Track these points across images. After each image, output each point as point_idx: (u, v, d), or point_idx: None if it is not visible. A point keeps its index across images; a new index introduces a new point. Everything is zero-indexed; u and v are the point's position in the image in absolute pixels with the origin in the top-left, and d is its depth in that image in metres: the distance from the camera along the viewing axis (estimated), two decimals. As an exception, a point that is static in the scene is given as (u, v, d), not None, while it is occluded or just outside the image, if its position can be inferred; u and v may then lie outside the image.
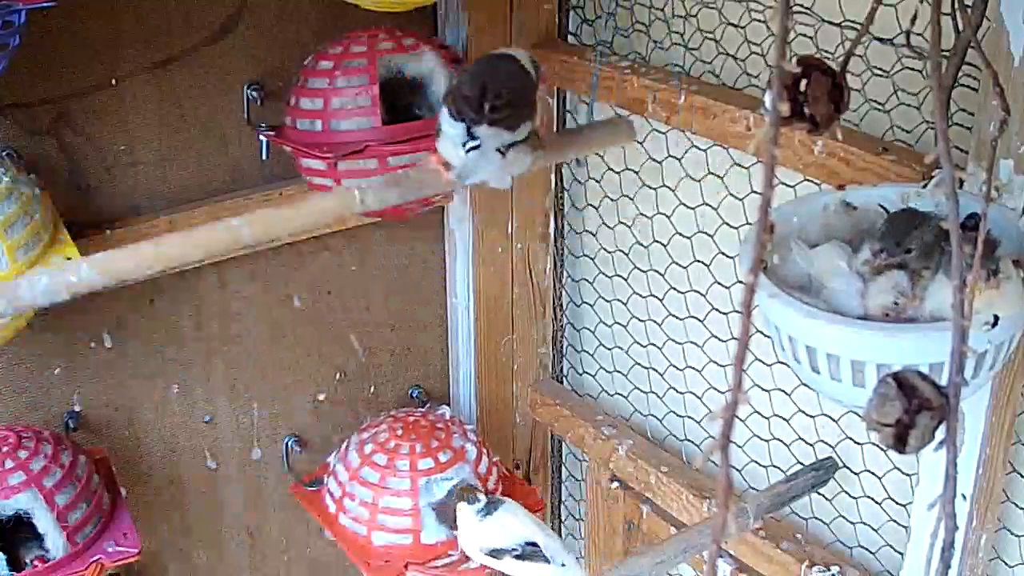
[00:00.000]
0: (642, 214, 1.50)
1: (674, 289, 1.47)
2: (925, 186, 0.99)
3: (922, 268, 0.89)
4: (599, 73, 1.36)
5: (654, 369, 1.56)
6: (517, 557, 1.30)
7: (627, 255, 1.54)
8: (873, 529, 1.29)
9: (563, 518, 1.85)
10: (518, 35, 1.48)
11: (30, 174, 1.21)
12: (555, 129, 1.56)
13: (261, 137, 1.38)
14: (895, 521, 1.26)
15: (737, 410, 0.51)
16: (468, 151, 0.93)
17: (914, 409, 0.66)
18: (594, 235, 1.61)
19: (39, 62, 1.25)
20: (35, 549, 1.24)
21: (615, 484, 1.56)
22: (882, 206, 0.97)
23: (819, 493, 1.28)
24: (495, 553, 1.31)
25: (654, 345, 1.54)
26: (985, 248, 0.82)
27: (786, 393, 1.32)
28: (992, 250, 0.87)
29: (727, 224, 1.35)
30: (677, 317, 1.48)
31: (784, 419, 1.35)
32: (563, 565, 1.29)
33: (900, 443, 0.67)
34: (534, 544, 1.31)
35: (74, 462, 1.29)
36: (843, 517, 1.32)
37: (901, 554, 1.19)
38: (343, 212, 0.95)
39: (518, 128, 0.94)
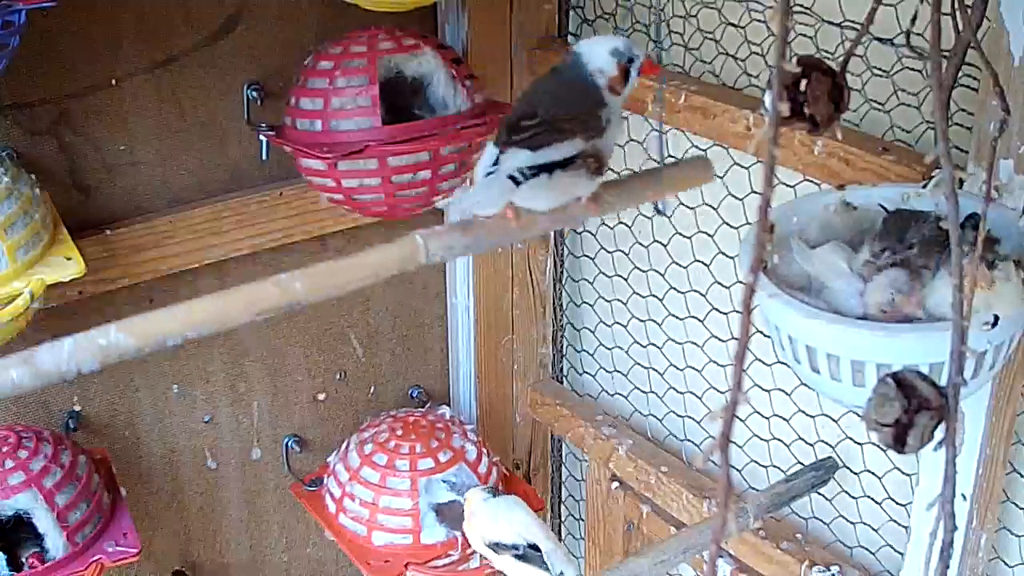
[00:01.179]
0: (642, 214, 1.50)
1: (674, 289, 1.47)
2: (925, 186, 0.99)
3: (922, 266, 0.89)
4: (661, 99, 1.26)
5: (654, 369, 1.56)
6: (517, 557, 1.30)
7: (627, 255, 1.54)
8: (873, 529, 1.29)
9: (563, 518, 1.85)
10: (518, 35, 1.48)
11: (30, 174, 1.21)
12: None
13: (261, 137, 1.38)
14: (895, 521, 1.26)
15: (737, 410, 0.51)
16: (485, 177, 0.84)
17: (913, 409, 0.66)
18: (594, 235, 1.61)
19: (39, 62, 1.25)
20: (35, 549, 1.25)
21: (615, 484, 1.56)
22: (882, 206, 0.97)
23: (819, 493, 1.28)
24: (496, 547, 1.31)
25: (654, 345, 1.54)
26: (985, 246, 0.82)
27: (786, 393, 1.32)
28: (992, 248, 0.88)
29: (727, 224, 1.35)
30: (677, 317, 1.48)
31: (784, 419, 1.35)
32: (561, 575, 1.28)
33: (899, 443, 0.67)
34: (537, 548, 1.30)
35: (74, 462, 1.29)
36: (843, 517, 1.32)
37: (901, 554, 1.19)
38: (406, 265, 0.83)
39: (548, 147, 0.83)
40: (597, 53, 0.88)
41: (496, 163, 0.83)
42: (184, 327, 0.76)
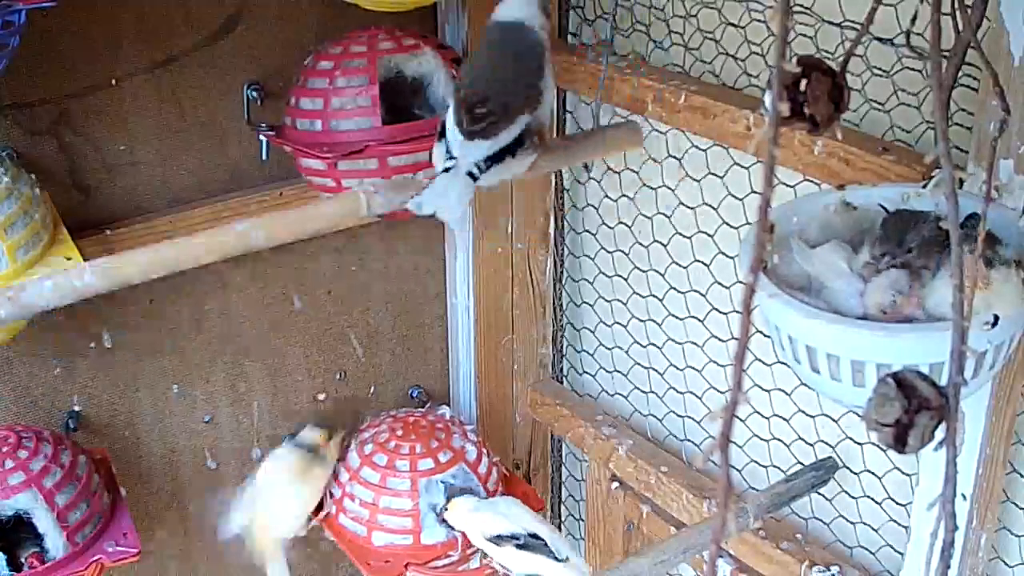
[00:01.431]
0: (642, 214, 1.49)
1: (674, 289, 1.47)
2: (925, 186, 0.99)
3: (922, 267, 0.89)
4: (606, 72, 1.32)
5: (654, 369, 1.56)
6: (519, 546, 1.30)
7: (627, 255, 1.54)
8: (873, 529, 1.29)
9: (563, 518, 1.85)
10: (518, 35, 1.48)
11: (30, 174, 1.21)
12: (555, 132, 1.55)
13: (261, 137, 1.38)
14: (895, 521, 1.26)
15: (737, 410, 0.51)
16: (440, 172, 0.88)
17: (914, 409, 0.66)
18: (594, 235, 1.61)
19: (39, 62, 1.25)
20: (35, 549, 1.25)
21: (615, 484, 1.56)
22: (882, 206, 0.97)
23: (819, 493, 1.28)
24: (497, 540, 1.30)
25: (654, 345, 1.55)
26: (986, 245, 0.82)
27: (786, 393, 1.32)
28: (993, 247, 0.87)
29: (727, 224, 1.35)
30: (677, 317, 1.48)
31: (784, 419, 1.35)
32: (566, 559, 1.28)
33: (900, 443, 0.67)
34: (537, 537, 1.30)
35: (74, 462, 1.29)
36: (843, 517, 1.32)
37: (901, 554, 1.19)
38: (348, 217, 0.95)
39: (501, 133, 0.87)
40: (532, 13, 0.91)
41: (451, 156, 0.86)
42: (148, 269, 0.85)
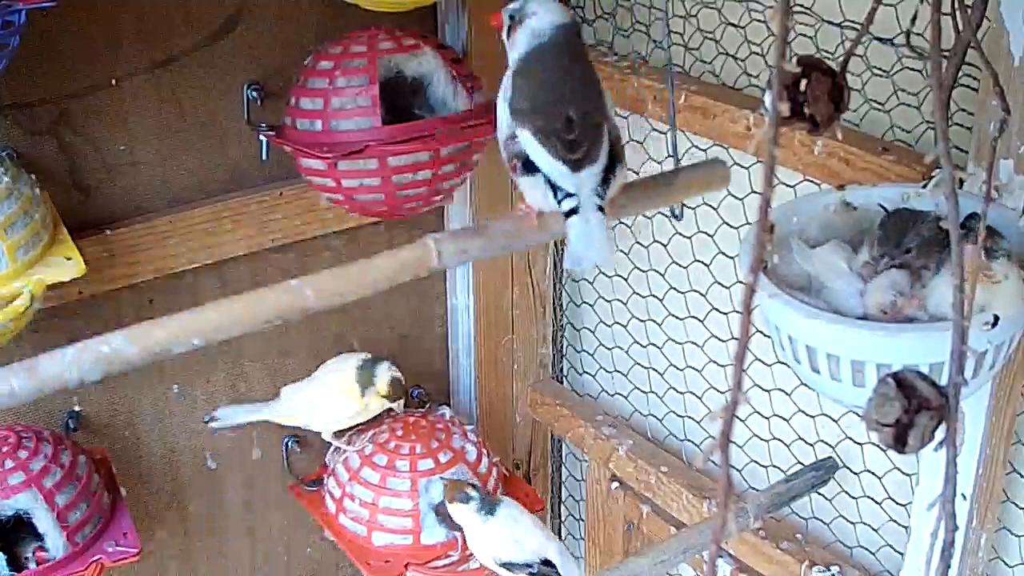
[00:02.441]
0: (642, 214, 1.49)
1: (674, 289, 1.47)
2: (925, 186, 0.99)
3: (922, 267, 0.90)
4: (673, 99, 1.18)
5: (654, 369, 1.56)
6: (532, 575, 1.30)
7: (627, 255, 1.54)
8: (873, 529, 1.29)
9: (563, 518, 1.85)
10: (518, 35, 1.48)
11: (30, 174, 1.20)
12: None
13: (261, 137, 1.38)
14: (895, 521, 1.26)
15: (737, 410, 0.51)
16: (567, 215, 0.77)
17: (914, 409, 0.66)
18: (594, 235, 1.60)
19: (39, 62, 1.25)
20: (35, 549, 1.25)
21: (615, 484, 1.56)
22: (882, 206, 0.97)
23: (819, 493, 1.28)
24: (509, 566, 1.31)
25: (654, 345, 1.54)
26: (987, 237, 0.82)
27: (786, 393, 1.32)
28: (993, 238, 0.88)
29: (727, 224, 1.35)
30: (677, 317, 1.48)
31: (784, 419, 1.35)
32: None
33: (900, 443, 0.67)
34: (549, 563, 1.30)
35: (74, 462, 1.29)
36: (843, 517, 1.32)
37: (901, 554, 1.19)
38: (418, 270, 0.79)
39: (599, 150, 0.78)
40: (563, 13, 0.83)
41: (567, 193, 0.77)
42: (190, 334, 0.73)
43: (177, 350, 0.72)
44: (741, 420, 1.37)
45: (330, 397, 1.41)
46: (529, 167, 0.80)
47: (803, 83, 0.76)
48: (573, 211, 0.78)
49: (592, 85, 0.83)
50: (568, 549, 1.37)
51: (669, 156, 1.41)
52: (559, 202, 0.78)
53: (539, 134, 0.79)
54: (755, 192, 1.29)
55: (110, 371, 0.70)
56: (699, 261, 1.41)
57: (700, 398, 1.49)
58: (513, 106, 0.82)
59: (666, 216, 1.45)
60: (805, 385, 1.00)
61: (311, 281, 0.76)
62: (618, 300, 1.60)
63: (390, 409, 1.44)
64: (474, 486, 1.36)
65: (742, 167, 1.30)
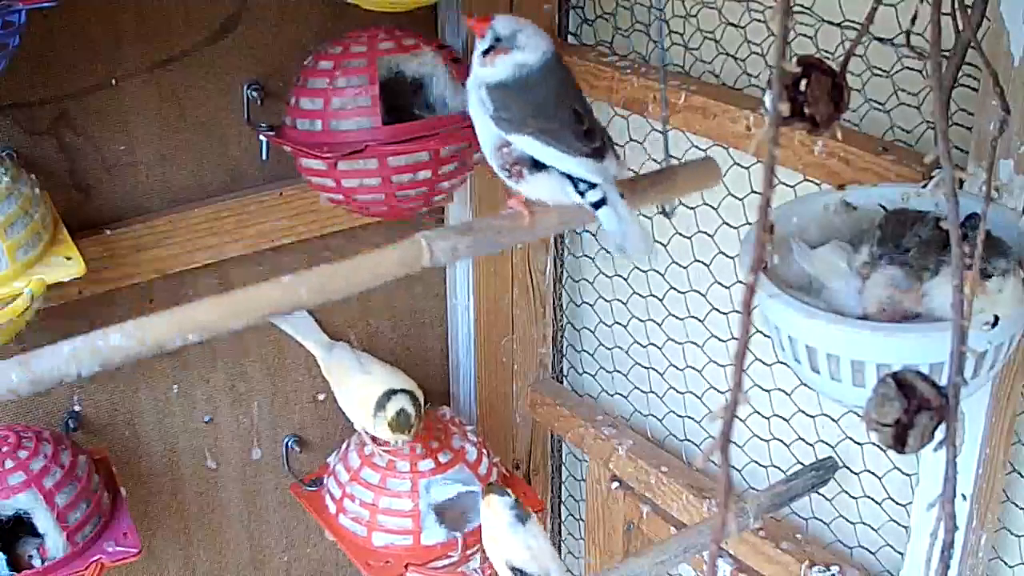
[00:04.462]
0: (642, 214, 1.49)
1: (674, 289, 1.47)
2: (925, 186, 0.99)
3: (922, 267, 0.89)
4: (665, 97, 1.21)
5: (654, 369, 1.56)
6: None
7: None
8: (873, 529, 1.29)
9: (563, 518, 1.85)
10: (518, 35, 1.48)
11: (30, 174, 1.21)
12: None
13: (261, 137, 1.38)
14: (895, 521, 1.26)
15: (737, 410, 0.51)
16: (596, 206, 0.79)
17: (913, 409, 0.66)
18: (594, 235, 1.61)
19: (39, 62, 1.25)
20: (35, 549, 1.25)
21: (615, 484, 1.56)
22: (882, 206, 0.97)
23: (819, 493, 1.28)
24: (520, 573, 1.30)
25: (654, 345, 1.54)
26: (987, 253, 0.82)
27: (786, 393, 1.32)
28: (994, 253, 0.87)
29: (727, 224, 1.35)
30: (677, 317, 1.48)
31: (784, 419, 1.35)
32: None
33: (900, 443, 0.67)
34: None
35: (74, 462, 1.29)
36: (843, 517, 1.32)
37: (901, 554, 1.19)
38: (410, 267, 0.81)
39: (609, 143, 0.81)
40: (550, 43, 0.87)
41: (589, 185, 0.78)
42: (185, 329, 0.73)
43: (173, 345, 0.72)
44: (741, 420, 1.37)
45: (352, 399, 1.41)
46: (538, 168, 0.82)
47: (803, 83, 0.76)
48: (601, 202, 0.79)
49: (581, 95, 0.86)
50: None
51: (670, 156, 1.41)
52: (582, 194, 0.80)
53: (543, 134, 0.81)
54: (755, 192, 1.29)
55: (107, 365, 0.70)
56: (699, 261, 1.41)
57: (700, 398, 1.49)
58: (498, 116, 0.83)
59: (666, 216, 1.45)
60: (805, 385, 1.00)
61: (304, 277, 0.76)
62: (618, 300, 1.60)
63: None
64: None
65: (742, 167, 1.30)
